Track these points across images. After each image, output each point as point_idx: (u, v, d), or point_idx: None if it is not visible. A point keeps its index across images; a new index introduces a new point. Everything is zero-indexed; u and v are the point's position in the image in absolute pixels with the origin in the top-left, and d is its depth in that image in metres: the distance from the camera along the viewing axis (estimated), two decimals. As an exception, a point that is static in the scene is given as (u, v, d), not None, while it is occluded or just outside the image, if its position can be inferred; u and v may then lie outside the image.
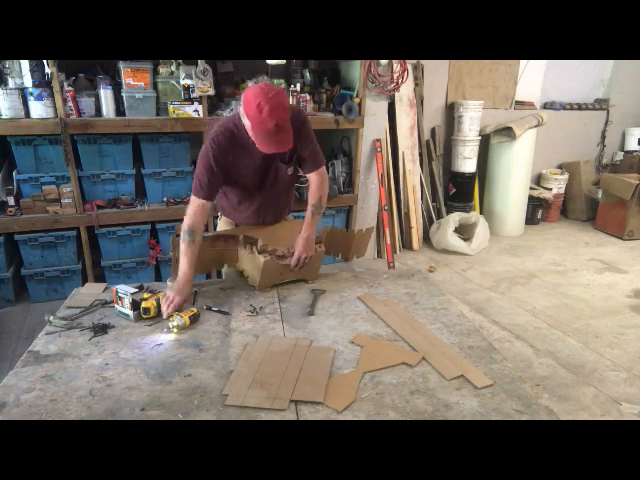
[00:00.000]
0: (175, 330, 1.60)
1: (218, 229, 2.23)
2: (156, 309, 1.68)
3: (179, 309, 1.68)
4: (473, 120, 4.60)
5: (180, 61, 3.22)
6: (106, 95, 3.07)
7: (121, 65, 3.06)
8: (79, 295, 1.86)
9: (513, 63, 5.03)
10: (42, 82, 2.93)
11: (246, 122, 1.68)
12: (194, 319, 1.66)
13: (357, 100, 3.71)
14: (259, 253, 1.84)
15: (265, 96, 1.58)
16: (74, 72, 3.13)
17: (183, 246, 1.77)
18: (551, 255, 4.49)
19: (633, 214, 4.78)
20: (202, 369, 1.40)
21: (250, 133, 1.70)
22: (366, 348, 1.51)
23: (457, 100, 4.77)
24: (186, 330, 1.62)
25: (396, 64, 3.89)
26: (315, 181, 1.99)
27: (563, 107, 5.49)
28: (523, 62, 5.05)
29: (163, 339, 1.57)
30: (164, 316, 1.66)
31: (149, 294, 1.74)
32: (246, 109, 1.63)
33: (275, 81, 3.57)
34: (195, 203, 1.81)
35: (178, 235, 1.81)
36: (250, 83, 1.77)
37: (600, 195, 5.20)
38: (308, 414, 1.21)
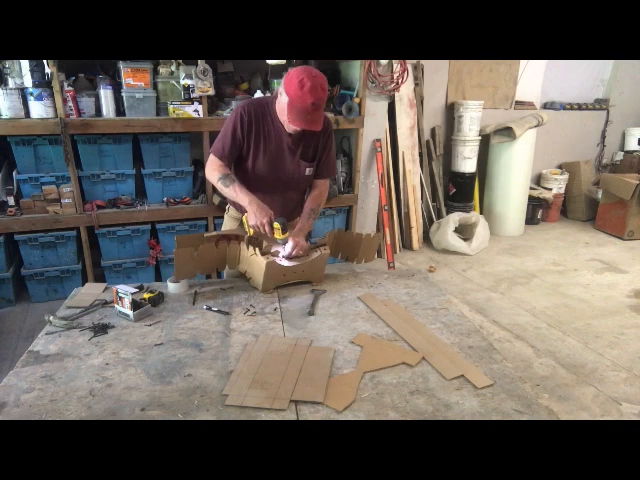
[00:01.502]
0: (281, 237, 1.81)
1: (223, 227, 2.23)
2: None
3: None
4: (473, 120, 4.60)
5: (180, 61, 3.22)
6: (106, 95, 3.08)
7: (121, 65, 3.06)
8: (79, 295, 1.86)
9: (513, 63, 5.03)
10: (42, 82, 2.93)
11: (284, 99, 1.76)
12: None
13: (357, 100, 3.71)
14: (262, 255, 1.84)
15: (309, 74, 1.70)
16: (74, 72, 3.13)
17: (234, 185, 1.84)
18: (551, 255, 4.49)
19: (633, 214, 4.79)
20: (202, 369, 1.40)
21: (284, 110, 1.76)
22: (366, 348, 1.51)
23: (457, 100, 4.78)
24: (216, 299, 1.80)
25: (396, 64, 3.90)
26: (319, 187, 2.07)
27: (563, 107, 5.49)
28: (523, 62, 5.05)
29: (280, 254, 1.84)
30: (269, 234, 1.81)
31: (149, 293, 1.75)
32: (287, 85, 1.73)
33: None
34: (217, 162, 1.89)
35: (177, 243, 1.86)
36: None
37: (600, 195, 5.20)
38: (308, 414, 1.21)
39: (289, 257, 1.88)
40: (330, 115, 3.65)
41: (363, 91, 3.73)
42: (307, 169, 1.98)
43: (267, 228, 1.79)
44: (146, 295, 1.77)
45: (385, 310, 1.76)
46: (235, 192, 1.83)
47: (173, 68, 3.23)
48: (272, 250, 1.89)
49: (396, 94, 4.17)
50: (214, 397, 1.27)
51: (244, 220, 1.89)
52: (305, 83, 1.68)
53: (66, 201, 3.13)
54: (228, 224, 2.19)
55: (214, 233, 2.02)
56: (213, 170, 1.88)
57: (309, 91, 1.68)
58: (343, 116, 3.65)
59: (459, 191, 4.83)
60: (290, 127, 1.83)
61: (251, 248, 1.87)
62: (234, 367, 1.40)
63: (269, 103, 1.89)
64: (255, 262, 1.88)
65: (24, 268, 3.23)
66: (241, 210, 2.08)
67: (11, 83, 2.90)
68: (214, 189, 3.41)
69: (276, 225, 1.81)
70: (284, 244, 1.86)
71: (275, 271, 1.85)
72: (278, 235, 1.82)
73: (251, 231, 1.86)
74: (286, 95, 1.74)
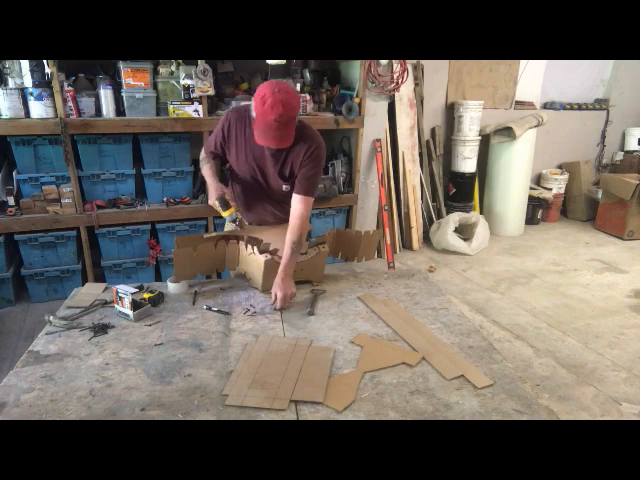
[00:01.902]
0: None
1: (225, 228, 2.23)
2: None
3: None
4: (473, 120, 4.60)
5: (180, 61, 3.22)
6: (106, 95, 3.07)
7: (121, 65, 3.06)
8: (79, 295, 1.86)
9: (513, 63, 5.03)
10: (42, 82, 2.93)
11: (252, 114, 1.74)
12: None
13: (357, 100, 3.71)
14: (260, 253, 1.84)
15: (272, 91, 1.66)
16: (74, 72, 3.13)
17: (207, 166, 2.00)
18: (551, 255, 4.49)
19: (633, 214, 4.79)
20: (202, 369, 1.40)
21: (254, 126, 1.75)
22: (366, 348, 1.51)
23: (457, 100, 4.78)
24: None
25: (396, 64, 3.90)
26: (298, 212, 1.87)
27: (563, 107, 5.49)
28: (523, 62, 5.05)
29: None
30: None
31: (149, 293, 1.75)
32: (254, 100, 1.71)
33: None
34: (202, 153, 2.07)
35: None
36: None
37: (600, 195, 5.20)
38: (308, 414, 1.21)
39: (281, 309, 1.77)
40: (330, 115, 3.65)
41: (363, 91, 3.73)
42: (283, 186, 1.96)
43: (216, 206, 1.92)
44: (146, 295, 1.77)
45: (385, 310, 1.76)
46: (204, 172, 2.01)
47: (173, 68, 3.23)
48: (271, 249, 1.88)
49: (396, 94, 4.17)
50: (214, 397, 1.27)
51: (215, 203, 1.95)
52: (266, 99, 1.64)
53: (66, 201, 3.13)
54: (228, 225, 2.19)
55: (213, 234, 2.02)
56: (200, 154, 2.09)
57: (270, 107, 1.63)
58: (343, 116, 3.64)
59: (459, 191, 4.83)
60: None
61: (249, 247, 1.87)
62: (234, 367, 1.40)
63: (250, 113, 1.85)
64: (253, 261, 1.88)
65: (24, 268, 3.23)
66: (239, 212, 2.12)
67: (11, 83, 2.90)
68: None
69: (216, 203, 1.91)
70: (232, 221, 1.94)
71: (274, 269, 1.85)
72: (222, 213, 1.92)
73: (224, 213, 1.94)
74: (253, 111, 1.72)
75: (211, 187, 1.95)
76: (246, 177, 1.99)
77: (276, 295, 1.77)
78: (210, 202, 1.95)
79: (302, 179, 1.88)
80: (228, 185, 2.12)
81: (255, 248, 1.85)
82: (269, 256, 1.83)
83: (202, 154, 2.06)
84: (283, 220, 2.04)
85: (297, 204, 1.88)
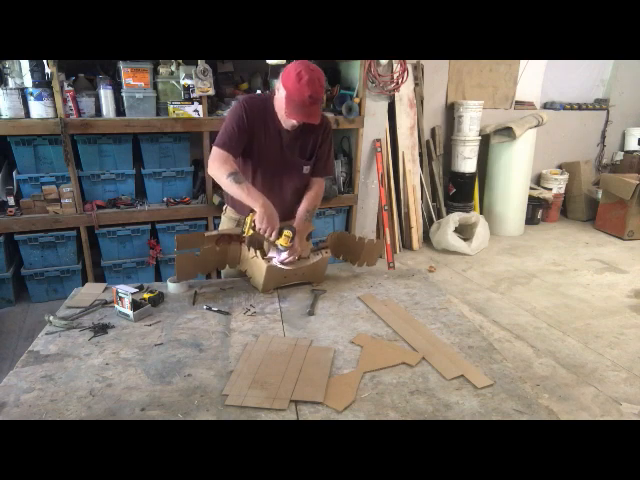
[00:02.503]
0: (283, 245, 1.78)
1: (220, 227, 2.21)
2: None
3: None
4: (473, 120, 4.60)
5: (180, 61, 3.22)
6: (106, 95, 3.08)
7: (121, 65, 3.06)
8: (79, 295, 1.86)
9: (513, 63, 5.03)
10: (42, 82, 2.93)
11: (281, 94, 1.76)
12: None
13: (357, 100, 3.71)
14: (263, 257, 1.83)
15: (307, 67, 1.70)
16: (74, 72, 3.13)
17: (246, 184, 1.76)
18: (551, 255, 4.49)
19: (633, 214, 4.79)
20: (202, 369, 1.40)
21: (282, 104, 1.76)
22: (366, 348, 1.51)
23: (457, 100, 4.78)
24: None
25: (396, 64, 3.90)
26: (315, 187, 2.01)
27: (563, 107, 5.49)
28: (523, 62, 5.05)
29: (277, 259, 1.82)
30: (272, 239, 1.78)
31: (149, 293, 1.75)
32: (284, 79, 1.73)
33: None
34: (224, 155, 1.77)
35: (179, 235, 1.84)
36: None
37: (600, 195, 5.20)
38: (308, 414, 1.21)
39: (283, 262, 1.83)
40: (330, 115, 3.65)
41: (363, 91, 3.73)
42: (304, 167, 1.97)
43: (274, 235, 1.76)
44: (146, 295, 1.77)
45: (385, 310, 1.76)
46: (247, 191, 1.74)
47: (173, 68, 3.23)
48: (268, 255, 1.86)
49: (396, 94, 4.17)
50: (214, 397, 1.27)
51: (248, 220, 1.77)
52: (303, 76, 1.68)
53: (66, 201, 3.13)
54: (225, 224, 2.17)
55: (214, 232, 2.02)
56: (221, 165, 1.75)
57: (307, 84, 1.67)
58: (343, 116, 3.65)
59: (459, 191, 4.83)
60: (288, 123, 1.82)
61: (252, 250, 1.86)
62: (234, 367, 1.40)
63: (268, 99, 1.88)
64: (256, 264, 1.87)
65: (24, 268, 3.23)
66: (240, 211, 2.07)
67: (11, 83, 2.90)
68: (214, 189, 3.42)
69: (287, 233, 1.76)
70: (284, 251, 1.80)
71: (276, 274, 1.85)
72: (284, 242, 1.77)
73: (250, 231, 1.77)
74: (284, 89, 1.74)
75: (268, 209, 1.74)
76: (264, 168, 1.93)
77: (289, 252, 1.82)
78: (266, 226, 1.75)
79: (324, 160, 2.00)
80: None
81: (258, 252, 1.84)
82: (271, 262, 1.83)
83: (226, 168, 1.75)
84: (296, 206, 1.99)
85: (315, 183, 2.02)
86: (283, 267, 1.84)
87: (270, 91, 1.85)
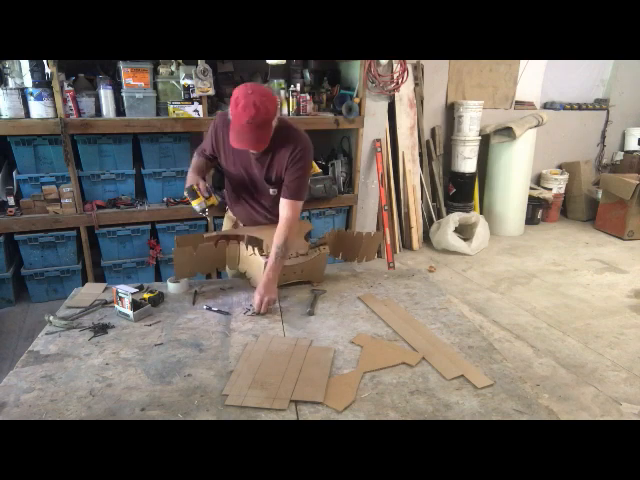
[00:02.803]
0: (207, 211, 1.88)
1: (223, 227, 2.24)
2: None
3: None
4: (473, 120, 4.60)
5: (180, 61, 3.22)
6: (106, 95, 3.07)
7: (121, 65, 3.06)
8: (79, 295, 1.86)
9: (513, 63, 5.03)
10: (42, 82, 2.93)
11: (230, 118, 1.73)
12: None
13: (357, 100, 3.71)
14: (261, 255, 1.84)
15: (245, 92, 1.63)
16: (74, 72, 3.13)
17: (193, 160, 2.00)
18: (551, 255, 4.49)
19: (633, 214, 4.79)
20: (202, 369, 1.40)
21: (230, 129, 1.73)
22: (366, 348, 1.51)
23: (457, 100, 4.78)
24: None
25: (396, 64, 3.89)
26: (285, 216, 1.85)
27: (563, 107, 5.49)
28: (523, 62, 5.05)
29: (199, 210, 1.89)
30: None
31: (149, 293, 1.76)
32: (230, 103, 1.69)
33: (275, 81, 3.58)
34: (193, 161, 2.03)
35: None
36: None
37: (600, 195, 5.20)
38: (308, 414, 1.21)
39: (259, 313, 1.73)
40: (330, 115, 3.65)
41: (363, 91, 3.73)
42: (270, 190, 1.93)
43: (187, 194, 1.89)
44: (146, 295, 1.77)
45: (385, 310, 1.76)
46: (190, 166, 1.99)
47: (173, 68, 3.23)
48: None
49: (396, 94, 4.17)
50: (214, 397, 1.27)
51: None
52: (239, 102, 1.61)
53: (66, 201, 3.13)
54: (227, 224, 2.21)
55: (214, 233, 2.02)
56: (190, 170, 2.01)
57: (243, 109, 1.60)
58: (343, 116, 3.65)
59: (459, 191, 4.83)
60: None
61: (250, 248, 1.87)
62: (234, 367, 1.40)
63: None
64: (254, 262, 1.88)
65: (24, 268, 3.23)
66: (233, 212, 2.14)
67: (11, 83, 2.90)
68: (214, 189, 3.41)
69: (185, 194, 1.90)
70: (201, 211, 1.88)
71: None
72: (192, 203, 1.89)
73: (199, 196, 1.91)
74: (230, 114, 1.70)
75: (187, 178, 1.96)
76: (236, 180, 1.98)
77: (255, 300, 1.74)
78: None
79: (288, 182, 1.84)
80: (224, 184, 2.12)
81: (256, 249, 1.85)
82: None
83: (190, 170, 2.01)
84: (275, 221, 1.99)
85: (284, 208, 1.85)
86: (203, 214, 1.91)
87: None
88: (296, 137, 1.83)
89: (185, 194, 1.91)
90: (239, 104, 1.61)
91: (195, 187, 1.89)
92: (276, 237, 1.81)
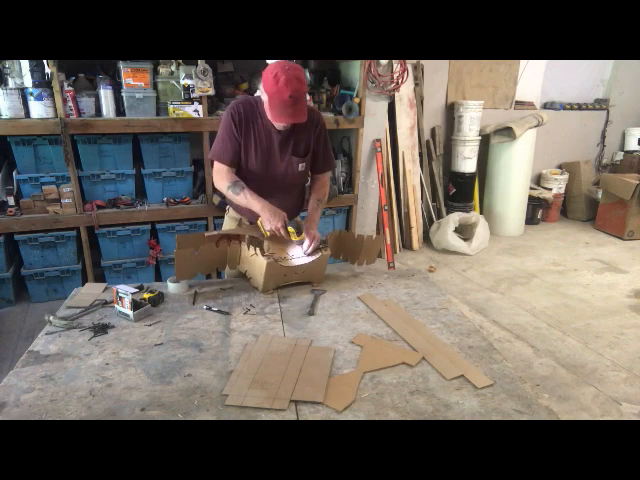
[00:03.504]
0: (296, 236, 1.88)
1: (224, 227, 2.23)
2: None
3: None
4: (473, 120, 4.60)
5: (180, 61, 3.22)
6: (106, 95, 3.08)
7: (121, 65, 3.06)
8: (79, 295, 1.86)
9: (513, 63, 5.03)
10: (42, 82, 2.93)
11: (264, 97, 1.77)
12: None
13: (357, 100, 3.71)
14: (263, 255, 1.83)
15: (282, 68, 1.69)
16: (74, 72, 3.13)
17: (244, 192, 1.85)
18: (551, 255, 4.49)
19: (633, 214, 4.79)
20: (202, 369, 1.40)
21: (267, 108, 1.77)
22: (366, 348, 1.51)
23: (457, 100, 4.78)
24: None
25: (396, 64, 3.90)
26: (321, 179, 2.07)
27: (563, 107, 5.49)
28: (523, 62, 5.05)
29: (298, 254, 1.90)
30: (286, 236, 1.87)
31: (149, 293, 1.76)
32: (264, 82, 1.73)
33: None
34: (223, 169, 1.90)
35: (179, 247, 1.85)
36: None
37: (600, 195, 5.20)
38: (308, 414, 1.21)
39: (310, 253, 1.91)
40: (330, 115, 3.65)
41: (363, 91, 3.73)
42: (300, 165, 1.97)
43: (282, 232, 1.84)
44: (146, 295, 1.76)
45: (385, 310, 1.76)
46: (246, 199, 1.84)
47: (173, 68, 3.23)
48: (290, 253, 1.92)
49: (396, 94, 4.17)
50: (214, 397, 1.27)
51: (259, 224, 1.90)
52: (279, 77, 1.66)
53: (66, 201, 3.13)
54: (228, 224, 2.19)
55: (215, 233, 2.02)
56: (221, 179, 1.89)
57: (285, 84, 1.66)
58: (343, 116, 3.65)
59: (459, 191, 4.83)
60: (278, 124, 1.84)
61: (252, 248, 1.87)
62: (234, 367, 1.40)
63: (258, 102, 1.88)
64: (256, 262, 1.87)
65: (24, 268, 3.23)
66: (239, 211, 2.09)
67: (11, 83, 2.90)
68: (214, 189, 3.42)
69: (290, 229, 1.86)
70: (300, 244, 1.91)
71: (275, 271, 1.85)
72: (294, 237, 1.89)
73: (268, 234, 1.89)
74: (265, 93, 1.74)
75: (267, 211, 1.82)
76: (258, 172, 1.94)
77: (309, 240, 1.88)
78: (272, 227, 1.82)
79: (323, 155, 2.02)
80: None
81: (258, 249, 1.85)
82: (271, 258, 1.83)
83: (224, 182, 1.87)
84: (296, 205, 2.10)
85: (322, 178, 2.07)
86: (303, 262, 1.90)
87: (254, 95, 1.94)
88: (311, 111, 1.90)
89: (285, 231, 1.84)
90: (279, 79, 1.66)
91: (301, 222, 1.92)
92: (315, 192, 2.04)
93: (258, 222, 1.89)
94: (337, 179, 3.88)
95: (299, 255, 1.92)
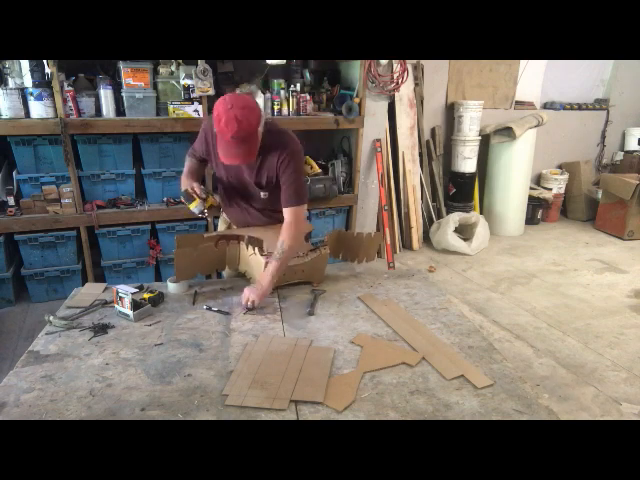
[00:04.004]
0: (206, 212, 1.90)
1: (218, 229, 2.25)
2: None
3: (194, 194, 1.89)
4: (473, 120, 4.60)
5: (180, 61, 3.22)
6: (106, 95, 3.07)
7: (121, 65, 3.06)
8: (79, 295, 1.86)
9: (513, 63, 5.03)
10: (42, 82, 2.93)
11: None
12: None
13: (357, 100, 3.71)
14: (262, 255, 1.84)
15: (224, 107, 1.60)
16: (74, 72, 3.13)
17: (185, 163, 2.01)
18: (551, 255, 4.49)
19: (633, 214, 4.79)
20: (202, 369, 1.40)
21: (217, 145, 1.73)
22: (366, 348, 1.51)
23: (457, 100, 4.78)
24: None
25: (396, 64, 3.89)
26: (287, 221, 1.82)
27: (563, 107, 5.49)
28: (523, 62, 5.05)
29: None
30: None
31: (149, 293, 1.76)
32: (213, 119, 1.66)
33: (275, 81, 3.57)
34: (186, 162, 2.05)
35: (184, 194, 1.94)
36: (237, 91, 1.82)
37: (600, 195, 5.20)
38: (308, 414, 1.21)
39: (246, 309, 1.74)
40: (330, 115, 3.65)
41: (363, 91, 3.73)
42: (262, 193, 1.92)
43: (197, 190, 1.89)
44: (146, 295, 1.77)
45: (385, 310, 1.76)
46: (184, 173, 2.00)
47: (173, 68, 3.23)
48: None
49: (396, 94, 4.17)
50: (214, 397, 1.27)
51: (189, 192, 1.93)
52: (221, 117, 1.59)
53: (66, 201, 3.13)
54: (222, 226, 2.23)
55: (214, 233, 2.02)
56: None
57: (225, 125, 1.59)
58: (343, 116, 3.64)
59: (459, 191, 4.83)
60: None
61: (250, 248, 1.87)
62: (234, 367, 1.40)
63: None
64: (254, 262, 1.87)
65: (24, 268, 3.23)
66: (228, 215, 2.15)
67: (11, 83, 2.90)
68: (214, 189, 3.42)
69: (181, 198, 1.93)
70: (199, 212, 1.90)
71: None
72: (188, 206, 1.90)
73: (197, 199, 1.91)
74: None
75: (182, 182, 1.98)
76: (227, 184, 1.98)
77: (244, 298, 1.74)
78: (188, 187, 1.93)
79: (285, 189, 1.83)
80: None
81: (257, 249, 1.85)
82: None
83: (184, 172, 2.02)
84: (269, 222, 2.01)
85: (286, 214, 1.83)
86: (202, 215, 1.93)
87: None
88: (283, 142, 1.79)
89: (182, 198, 1.92)
90: (221, 120, 1.59)
91: (190, 190, 1.89)
92: (278, 241, 1.78)
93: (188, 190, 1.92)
94: (337, 179, 3.88)
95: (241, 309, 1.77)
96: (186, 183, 1.95)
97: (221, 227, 2.24)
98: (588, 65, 5.58)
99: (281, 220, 1.86)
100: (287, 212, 1.83)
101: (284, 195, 1.83)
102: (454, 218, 4.47)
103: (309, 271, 1.95)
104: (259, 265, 1.84)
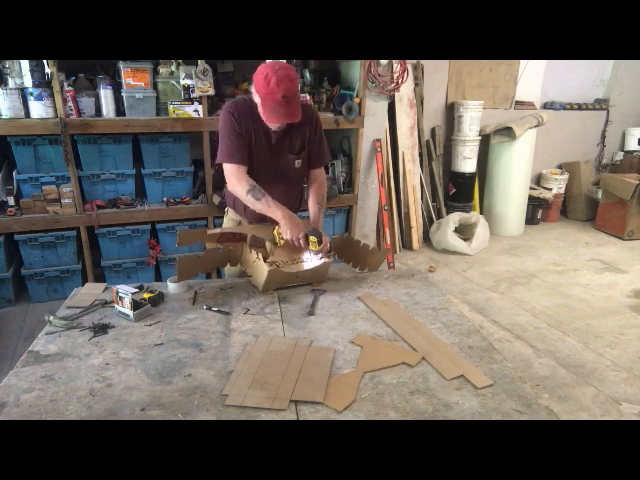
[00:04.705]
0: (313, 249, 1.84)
1: (224, 226, 2.23)
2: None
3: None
4: (473, 120, 4.60)
5: (180, 61, 3.22)
6: (106, 95, 3.07)
7: (121, 65, 3.06)
8: (79, 295, 1.86)
9: (513, 63, 5.03)
10: (42, 82, 2.93)
11: (256, 99, 1.77)
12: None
13: (357, 100, 3.71)
14: (265, 262, 1.83)
15: (272, 69, 1.69)
16: (74, 72, 3.13)
17: (266, 198, 1.82)
18: (551, 255, 4.49)
19: (633, 214, 4.79)
20: (202, 369, 1.40)
21: (260, 110, 1.77)
22: (366, 348, 1.51)
23: (457, 100, 4.78)
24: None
25: (396, 64, 3.90)
26: (317, 179, 2.05)
27: (563, 107, 5.49)
28: (523, 62, 5.05)
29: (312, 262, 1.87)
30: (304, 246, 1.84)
31: (149, 293, 1.76)
32: (255, 84, 1.73)
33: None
34: (236, 169, 1.85)
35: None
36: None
37: (600, 195, 5.20)
38: (308, 414, 1.21)
39: (325, 254, 1.89)
40: (330, 115, 3.65)
41: (363, 91, 3.73)
42: (296, 162, 1.98)
43: (302, 242, 1.82)
44: (146, 295, 1.76)
45: (385, 310, 1.76)
46: (268, 206, 1.82)
47: (173, 68, 3.23)
48: (300, 257, 1.88)
49: (396, 94, 4.17)
50: (214, 397, 1.27)
51: (275, 233, 1.89)
52: (270, 78, 1.67)
53: (66, 201, 3.13)
54: (229, 225, 2.20)
55: (217, 230, 2.02)
56: (237, 181, 1.83)
57: (276, 85, 1.66)
58: (343, 116, 3.64)
59: (459, 191, 4.83)
60: (272, 125, 1.84)
61: (254, 253, 1.86)
62: (234, 367, 1.40)
63: (253, 101, 1.87)
64: (258, 267, 1.86)
65: (24, 268, 3.23)
66: (240, 212, 2.09)
67: (11, 83, 2.90)
68: (214, 189, 3.42)
69: (312, 239, 1.83)
70: (317, 254, 1.88)
71: (277, 277, 1.85)
72: (314, 247, 1.85)
73: (282, 242, 1.88)
74: (257, 95, 1.75)
75: (288, 220, 1.80)
76: (256, 169, 1.93)
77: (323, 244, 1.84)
78: (292, 237, 1.81)
79: (318, 150, 2.01)
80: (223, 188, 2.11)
81: (260, 254, 1.84)
82: (274, 265, 1.83)
83: (243, 185, 1.82)
84: (291, 207, 1.98)
85: (315, 172, 2.06)
86: (317, 264, 1.89)
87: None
88: (305, 107, 1.89)
89: (312, 238, 1.82)
90: (270, 80, 1.67)
91: (321, 231, 1.87)
92: (313, 195, 2.00)
93: (275, 231, 1.88)
94: (337, 179, 3.88)
95: (311, 259, 1.89)
96: (298, 224, 1.82)
97: (228, 223, 2.21)
98: (588, 65, 5.58)
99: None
100: (319, 174, 2.07)
101: (317, 154, 2.03)
102: (454, 218, 4.47)
103: (310, 276, 1.95)
104: (261, 270, 1.83)
